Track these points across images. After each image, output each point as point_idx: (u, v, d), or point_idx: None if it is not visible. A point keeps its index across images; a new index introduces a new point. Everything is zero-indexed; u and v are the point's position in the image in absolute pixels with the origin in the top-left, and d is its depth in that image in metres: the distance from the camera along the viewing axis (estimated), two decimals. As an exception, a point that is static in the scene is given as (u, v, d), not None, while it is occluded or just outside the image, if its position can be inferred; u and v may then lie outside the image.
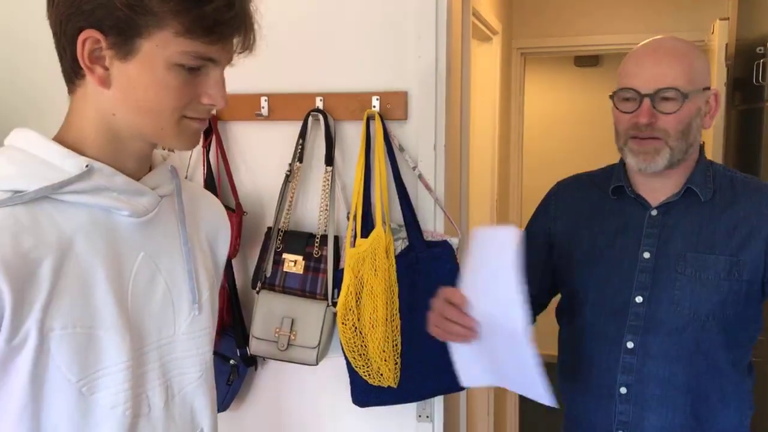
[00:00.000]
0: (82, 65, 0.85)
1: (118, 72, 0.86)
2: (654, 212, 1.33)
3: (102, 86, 0.87)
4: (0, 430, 0.85)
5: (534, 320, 1.48)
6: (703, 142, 1.37)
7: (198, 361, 1.02)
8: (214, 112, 0.95)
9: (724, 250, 1.27)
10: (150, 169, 0.97)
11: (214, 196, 1.20)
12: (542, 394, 1.16)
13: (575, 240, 1.41)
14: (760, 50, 2.43)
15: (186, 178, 1.85)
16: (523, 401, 3.87)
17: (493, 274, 1.16)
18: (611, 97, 1.31)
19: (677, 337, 1.27)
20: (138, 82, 0.86)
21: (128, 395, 0.90)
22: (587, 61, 5.13)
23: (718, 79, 2.70)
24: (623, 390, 1.30)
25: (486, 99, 3.05)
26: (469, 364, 1.26)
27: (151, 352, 0.95)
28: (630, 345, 1.30)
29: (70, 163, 0.86)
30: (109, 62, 0.85)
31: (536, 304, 1.44)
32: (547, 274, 1.46)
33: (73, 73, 0.89)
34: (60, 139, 0.90)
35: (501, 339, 1.16)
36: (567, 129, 5.31)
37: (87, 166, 0.87)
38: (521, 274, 1.10)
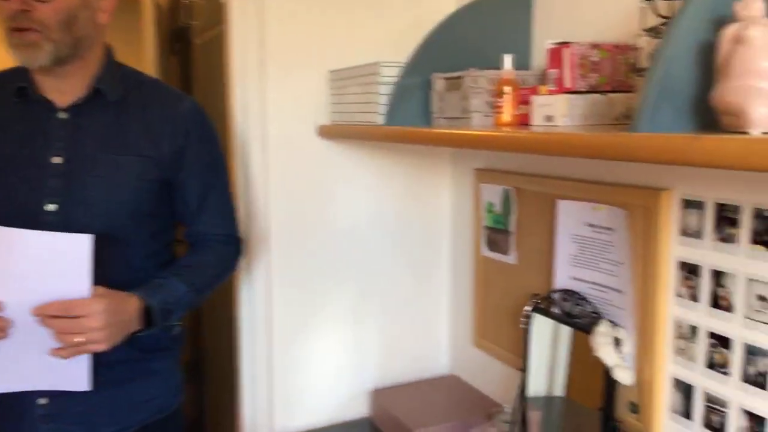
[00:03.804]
0: None
1: None
2: (63, 115, 1.27)
3: None
4: None
5: None
6: (112, 46, 1.35)
7: None
8: None
9: (135, 150, 1.28)
10: None
11: None
12: (81, 376, 1.19)
13: None
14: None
15: None
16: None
17: (51, 275, 1.14)
18: None
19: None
20: None
21: None
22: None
23: (152, 34, 2.77)
24: None
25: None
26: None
27: None
28: None
29: None
30: None
31: None
32: None
33: None
34: None
35: (40, 337, 1.15)
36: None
37: None
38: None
